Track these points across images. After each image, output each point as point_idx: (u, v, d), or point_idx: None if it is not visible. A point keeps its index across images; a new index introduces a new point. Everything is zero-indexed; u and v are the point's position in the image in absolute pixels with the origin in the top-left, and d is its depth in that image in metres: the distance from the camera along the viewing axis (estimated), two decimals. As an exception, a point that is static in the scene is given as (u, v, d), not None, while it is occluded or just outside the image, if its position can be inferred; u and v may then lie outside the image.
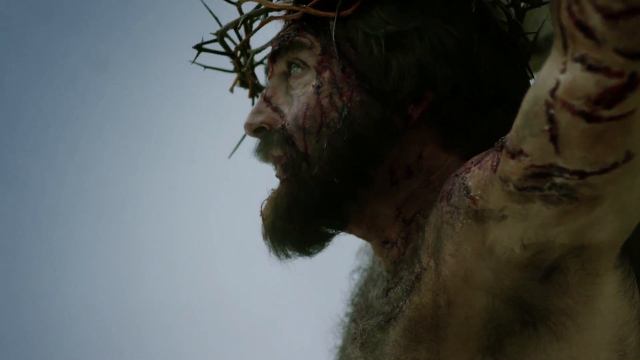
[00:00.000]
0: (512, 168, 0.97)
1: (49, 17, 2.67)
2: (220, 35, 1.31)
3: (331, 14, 1.19)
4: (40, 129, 2.72)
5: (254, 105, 1.24)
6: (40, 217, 2.73)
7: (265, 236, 1.23)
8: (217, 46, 1.33)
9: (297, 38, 1.21)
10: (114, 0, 2.68)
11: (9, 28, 2.67)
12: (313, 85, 1.19)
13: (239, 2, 1.28)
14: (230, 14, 1.30)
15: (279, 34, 1.25)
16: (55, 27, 2.66)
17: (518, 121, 0.95)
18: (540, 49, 1.26)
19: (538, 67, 1.25)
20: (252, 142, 1.30)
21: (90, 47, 2.66)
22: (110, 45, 2.66)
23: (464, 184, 1.05)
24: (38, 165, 2.72)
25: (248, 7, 1.28)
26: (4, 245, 2.72)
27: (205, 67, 1.37)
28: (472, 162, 1.07)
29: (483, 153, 1.06)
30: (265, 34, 1.29)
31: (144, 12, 2.64)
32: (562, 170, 0.94)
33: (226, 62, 1.36)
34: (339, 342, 1.34)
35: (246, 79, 1.36)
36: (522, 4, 1.23)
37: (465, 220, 1.05)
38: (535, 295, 1.05)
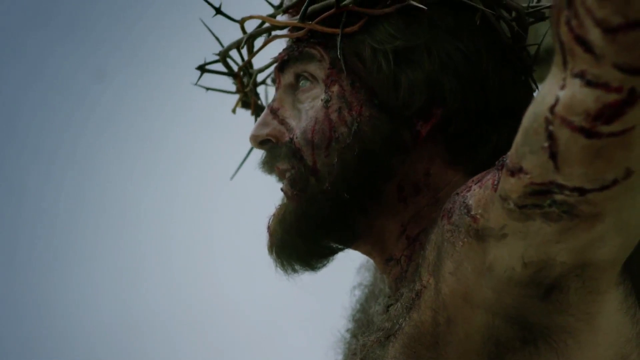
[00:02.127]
0: (512, 186, 0.96)
1: (49, 25, 2.68)
2: (223, 56, 1.31)
3: (337, 31, 1.18)
4: (39, 138, 2.73)
5: (260, 117, 1.24)
6: (39, 224, 2.73)
7: (271, 251, 1.23)
8: (219, 66, 1.33)
9: (306, 49, 1.21)
10: (115, 12, 2.69)
11: (8, 36, 2.68)
12: (322, 100, 1.19)
13: (242, 20, 1.27)
14: (233, 32, 1.30)
15: (287, 46, 1.25)
16: (55, 36, 2.68)
17: (518, 138, 0.95)
18: (541, 61, 1.26)
19: (539, 79, 1.25)
20: (254, 154, 1.31)
21: (90, 57, 2.67)
22: (109, 55, 2.67)
23: (464, 202, 1.05)
24: (36, 173, 2.73)
25: (251, 26, 1.28)
26: (3, 254, 2.72)
27: (208, 89, 1.36)
28: (473, 181, 1.07)
29: (484, 172, 1.06)
30: (268, 54, 1.28)
31: (143, 23, 2.65)
32: (562, 187, 0.93)
33: (228, 81, 1.36)
34: (340, 358, 1.33)
35: (249, 100, 1.36)
36: (527, 19, 1.23)
37: (465, 239, 1.04)
38: (536, 312, 1.05)
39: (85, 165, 2.73)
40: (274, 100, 1.24)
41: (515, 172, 0.95)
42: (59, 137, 2.72)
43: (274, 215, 1.24)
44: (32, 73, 2.69)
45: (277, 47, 1.27)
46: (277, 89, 1.25)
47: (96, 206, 2.73)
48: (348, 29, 1.18)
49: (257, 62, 1.32)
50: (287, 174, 1.21)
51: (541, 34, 1.30)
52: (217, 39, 1.32)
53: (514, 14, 1.23)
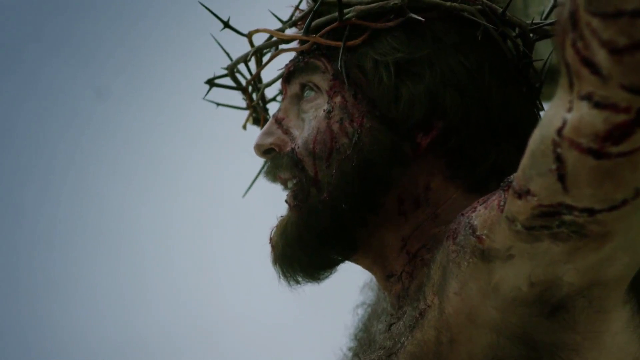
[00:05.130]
0: (519, 208, 0.96)
1: (51, 43, 2.68)
2: (231, 70, 1.31)
3: (340, 44, 1.19)
4: (39, 156, 2.73)
5: (265, 126, 1.25)
6: (38, 241, 2.74)
7: (274, 262, 1.23)
8: (227, 81, 1.33)
9: (312, 60, 1.22)
10: (118, 29, 2.68)
11: (9, 53, 2.68)
12: (324, 110, 1.20)
13: (249, 33, 1.28)
14: (240, 47, 1.30)
15: (293, 58, 1.26)
16: (57, 53, 2.67)
17: (525, 161, 0.95)
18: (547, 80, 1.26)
19: (546, 97, 1.24)
20: (257, 167, 1.32)
21: (92, 75, 2.67)
22: (112, 74, 2.67)
23: (469, 223, 1.05)
24: (36, 190, 2.73)
25: (259, 40, 1.28)
26: (3, 271, 2.72)
27: (218, 104, 1.37)
28: (478, 202, 1.07)
29: (490, 193, 1.06)
30: (276, 68, 1.29)
31: (147, 41, 2.65)
32: (570, 208, 0.93)
33: (236, 97, 1.36)
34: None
35: (259, 115, 1.36)
36: (531, 36, 1.23)
37: (471, 260, 1.04)
38: (542, 331, 1.05)
39: (87, 181, 2.73)
40: (279, 110, 1.25)
41: (523, 194, 0.95)
42: (60, 155, 2.73)
43: (276, 227, 1.24)
44: (33, 91, 2.69)
45: (285, 60, 1.27)
46: (283, 100, 1.26)
47: (96, 221, 2.73)
48: (351, 42, 1.19)
49: (266, 77, 1.32)
50: (289, 184, 1.22)
51: (541, 52, 1.29)
52: (227, 53, 1.33)
53: (517, 30, 1.22)
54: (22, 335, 2.71)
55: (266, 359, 2.58)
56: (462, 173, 1.19)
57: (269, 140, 1.23)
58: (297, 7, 1.27)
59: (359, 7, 1.19)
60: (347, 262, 1.25)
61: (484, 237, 1.03)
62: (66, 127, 2.72)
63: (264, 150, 1.23)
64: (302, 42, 1.23)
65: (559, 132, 0.89)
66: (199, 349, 2.67)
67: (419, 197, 1.19)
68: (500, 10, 1.21)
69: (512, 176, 0.99)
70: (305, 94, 1.23)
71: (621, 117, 0.85)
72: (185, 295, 2.69)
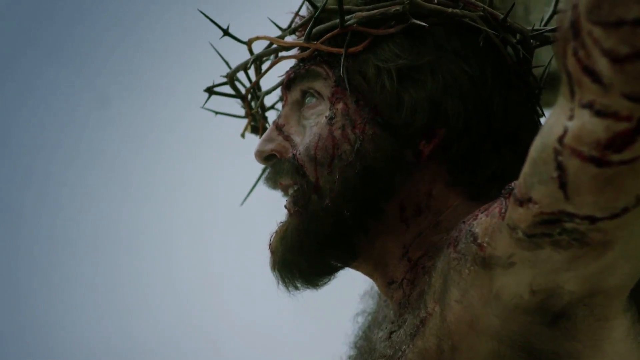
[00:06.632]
0: (520, 216, 0.97)
1: (53, 51, 2.68)
2: (231, 77, 1.31)
3: (341, 51, 1.19)
4: (39, 164, 2.72)
5: (265, 133, 1.25)
6: (38, 249, 2.73)
7: (273, 268, 1.23)
8: (227, 89, 1.33)
9: (313, 67, 1.22)
10: (118, 38, 2.68)
11: (10, 60, 2.68)
12: (326, 116, 1.19)
13: (249, 41, 1.28)
14: (239, 54, 1.30)
15: (293, 65, 1.26)
16: (58, 61, 2.67)
17: (526, 169, 0.95)
18: (546, 85, 1.26)
19: (545, 103, 1.25)
20: (255, 174, 1.32)
21: (93, 83, 2.67)
22: (111, 81, 2.67)
23: (470, 230, 1.05)
24: (36, 198, 2.73)
25: (258, 48, 1.28)
26: (4, 280, 2.72)
27: (217, 113, 1.36)
28: (479, 210, 1.07)
29: (491, 201, 1.06)
30: (275, 75, 1.28)
31: (146, 49, 2.65)
32: (572, 216, 0.93)
33: (235, 105, 1.36)
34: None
35: (257, 123, 1.35)
36: (532, 42, 1.22)
37: (472, 267, 1.04)
38: (543, 339, 1.05)
39: (86, 186, 2.73)
40: (279, 116, 1.25)
41: (524, 202, 0.96)
42: (59, 162, 2.72)
43: (275, 232, 1.24)
44: (31, 97, 2.69)
45: (285, 68, 1.27)
46: (283, 107, 1.26)
47: (98, 227, 2.73)
48: (352, 49, 1.19)
49: (265, 85, 1.32)
50: (290, 190, 1.22)
51: (541, 58, 1.29)
52: (226, 61, 1.32)
53: (518, 36, 1.22)
54: (25, 339, 2.71)
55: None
56: (463, 180, 1.19)
57: (270, 146, 1.23)
58: (296, 13, 1.27)
59: (360, 13, 1.19)
60: (348, 270, 1.25)
61: (485, 244, 1.03)
62: (64, 133, 2.72)
63: (265, 156, 1.23)
64: (302, 49, 1.23)
65: (560, 140, 0.89)
66: (201, 354, 2.67)
67: (421, 204, 1.19)
68: (502, 16, 1.20)
69: (513, 184, 1.00)
70: (306, 101, 1.23)
71: (622, 126, 0.85)
72: (187, 300, 2.69)
